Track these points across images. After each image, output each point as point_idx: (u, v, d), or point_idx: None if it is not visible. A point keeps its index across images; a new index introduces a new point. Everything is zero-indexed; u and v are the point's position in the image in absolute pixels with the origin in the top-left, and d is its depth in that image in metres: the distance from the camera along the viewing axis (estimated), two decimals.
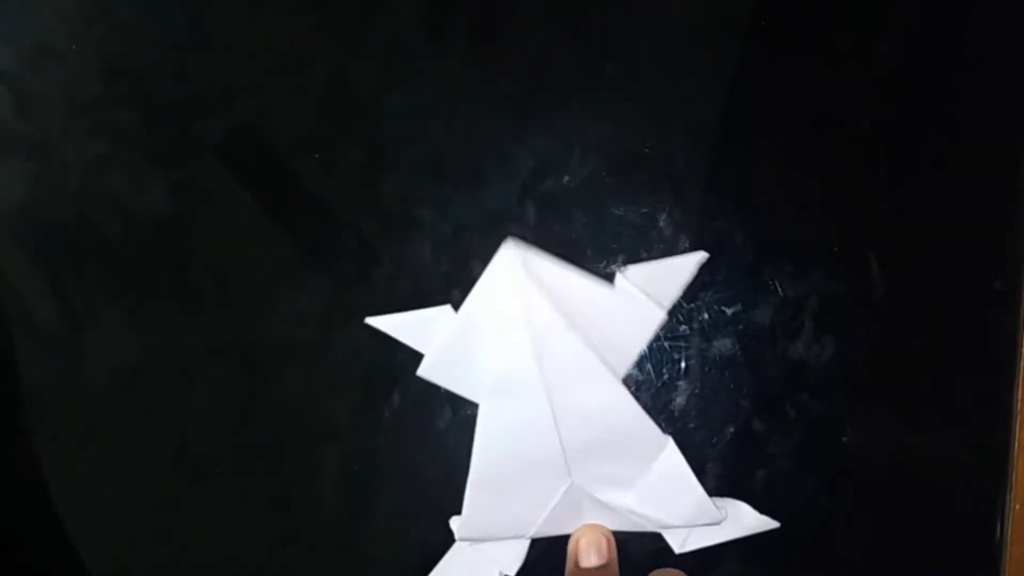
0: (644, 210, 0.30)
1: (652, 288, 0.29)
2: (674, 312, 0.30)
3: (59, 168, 0.31)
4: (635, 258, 0.30)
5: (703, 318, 0.30)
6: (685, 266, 0.29)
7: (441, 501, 0.31)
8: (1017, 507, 0.30)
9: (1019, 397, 0.30)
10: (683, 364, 0.31)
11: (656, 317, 0.29)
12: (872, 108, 0.30)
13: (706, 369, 0.30)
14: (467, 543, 0.30)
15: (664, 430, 0.30)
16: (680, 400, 0.31)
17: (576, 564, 0.29)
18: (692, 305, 0.30)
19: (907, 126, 0.30)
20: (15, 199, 0.31)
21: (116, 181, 0.31)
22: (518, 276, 0.28)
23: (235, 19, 0.30)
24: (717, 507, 0.29)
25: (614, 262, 0.30)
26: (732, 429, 0.31)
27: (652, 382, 0.31)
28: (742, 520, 0.30)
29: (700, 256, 0.29)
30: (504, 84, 0.30)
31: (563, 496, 0.29)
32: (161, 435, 0.31)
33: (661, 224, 0.30)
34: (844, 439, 0.30)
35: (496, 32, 0.29)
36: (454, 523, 0.30)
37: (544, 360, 0.28)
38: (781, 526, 0.30)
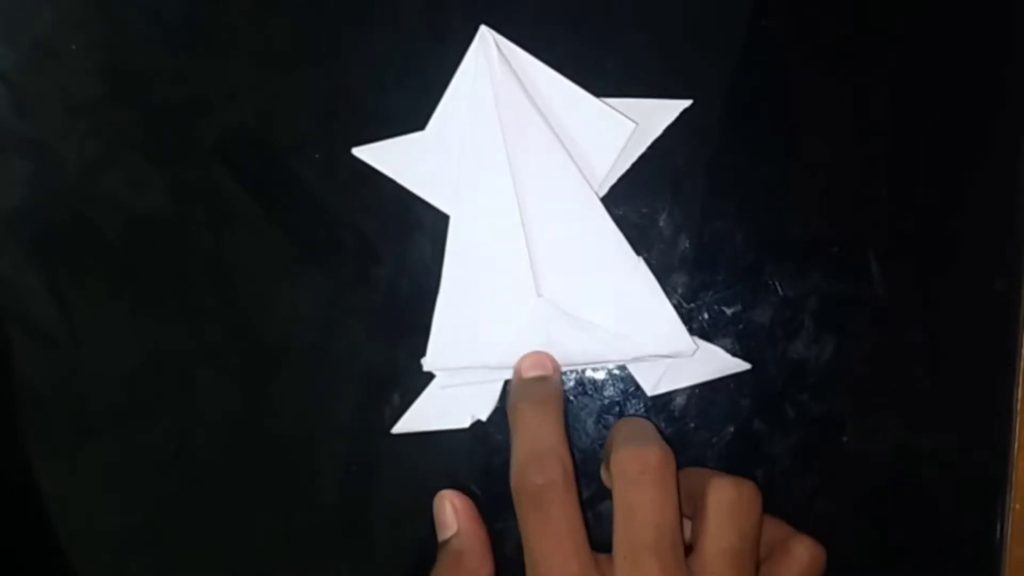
0: (644, 210, 0.30)
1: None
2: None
3: (58, 168, 0.31)
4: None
5: (703, 318, 0.30)
6: (668, 108, 0.29)
7: None
8: (1017, 507, 0.30)
9: (1019, 397, 0.30)
10: None
11: (625, 132, 0.28)
12: (872, 108, 0.30)
13: None
14: (439, 389, 0.30)
15: (664, 430, 0.30)
16: (680, 400, 0.31)
17: (519, 377, 0.29)
18: (692, 305, 0.30)
19: (907, 126, 0.30)
20: (14, 199, 0.31)
21: (116, 181, 0.31)
22: (493, 63, 0.27)
23: (235, 19, 0.30)
24: (690, 340, 0.29)
25: None
26: (732, 429, 0.31)
27: None
28: (714, 361, 0.30)
29: (685, 103, 0.29)
30: None
31: (531, 315, 0.28)
32: (161, 435, 0.31)
33: (661, 224, 0.30)
34: (844, 439, 0.30)
35: (496, 31, 0.29)
36: (424, 360, 0.29)
37: (517, 159, 0.27)
38: None
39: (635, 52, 0.30)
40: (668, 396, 0.31)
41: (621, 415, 0.31)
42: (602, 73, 0.30)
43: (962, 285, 0.30)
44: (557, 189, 0.28)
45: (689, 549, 0.25)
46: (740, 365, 0.30)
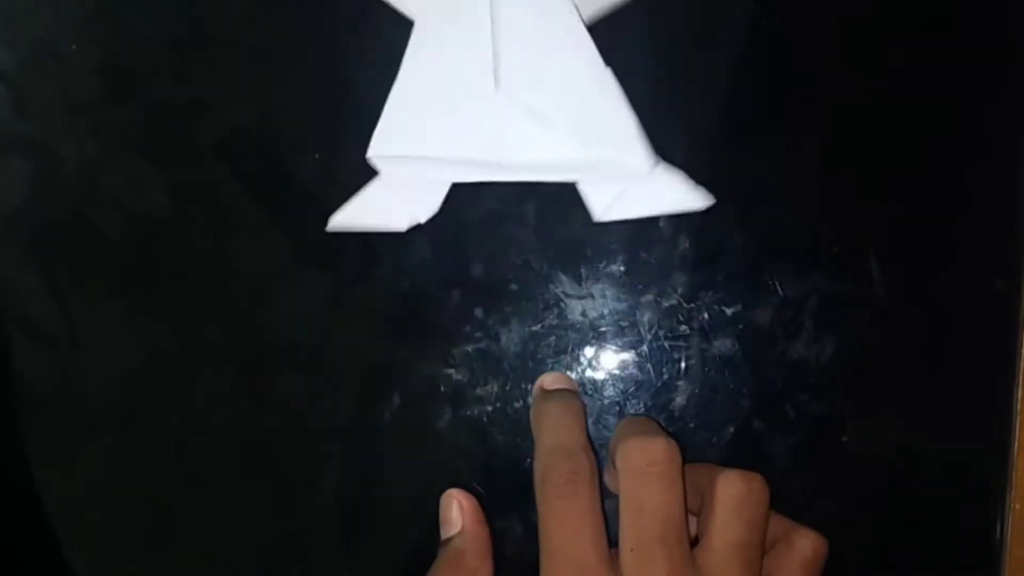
0: None
1: None
2: (674, 312, 0.30)
3: (58, 168, 0.31)
4: (635, 258, 0.30)
5: (703, 318, 0.30)
6: None
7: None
8: (1017, 507, 0.30)
9: (1019, 397, 0.30)
10: (683, 364, 0.31)
11: None
12: (872, 108, 0.30)
13: (706, 369, 0.30)
14: (381, 184, 0.29)
15: (665, 430, 0.30)
16: (680, 400, 0.31)
17: (541, 389, 0.30)
18: (692, 305, 0.30)
19: (907, 126, 0.30)
20: (14, 199, 0.31)
21: (116, 181, 0.31)
22: None
23: (235, 19, 0.30)
24: (651, 162, 0.27)
25: (614, 262, 0.30)
26: (732, 429, 0.31)
27: (652, 382, 0.31)
28: (673, 190, 0.28)
29: None
30: None
31: (485, 106, 0.27)
32: (161, 435, 0.31)
33: (661, 224, 0.30)
34: (844, 439, 0.30)
35: None
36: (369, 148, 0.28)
37: None
38: None
39: (635, 52, 0.30)
40: (668, 396, 0.31)
41: (622, 415, 0.31)
42: None
43: (962, 285, 0.30)
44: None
45: (694, 544, 0.25)
46: (701, 199, 0.28)
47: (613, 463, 0.26)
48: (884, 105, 0.30)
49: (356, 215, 0.29)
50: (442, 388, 0.31)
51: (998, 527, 0.30)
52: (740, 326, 0.30)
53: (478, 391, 0.31)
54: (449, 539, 0.28)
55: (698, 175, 0.30)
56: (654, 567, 0.24)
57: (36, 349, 0.31)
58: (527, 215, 0.30)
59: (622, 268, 0.30)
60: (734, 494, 0.25)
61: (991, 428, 0.30)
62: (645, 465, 0.25)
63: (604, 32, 0.29)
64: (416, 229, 0.30)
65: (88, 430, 0.31)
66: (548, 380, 0.30)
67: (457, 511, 0.29)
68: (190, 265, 0.31)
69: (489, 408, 0.31)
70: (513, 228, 0.30)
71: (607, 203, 0.29)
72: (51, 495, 0.31)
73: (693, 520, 0.26)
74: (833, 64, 0.30)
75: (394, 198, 0.29)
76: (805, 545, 0.26)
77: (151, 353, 0.31)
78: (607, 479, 0.29)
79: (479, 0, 0.27)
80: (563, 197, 0.30)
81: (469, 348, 0.30)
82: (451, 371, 0.31)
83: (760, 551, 0.25)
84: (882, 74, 0.30)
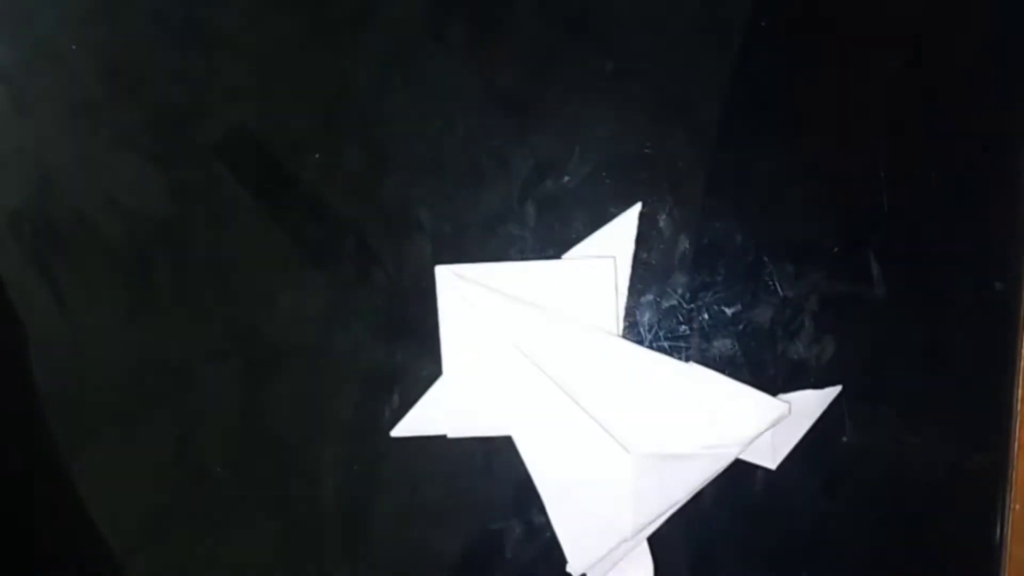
0: (644, 210, 0.30)
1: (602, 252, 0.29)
2: (674, 312, 0.30)
3: (58, 168, 0.31)
4: (635, 258, 0.30)
5: (703, 318, 0.30)
6: (626, 224, 0.29)
7: (441, 501, 0.31)
8: (1017, 507, 0.30)
9: (1019, 397, 0.30)
10: None
11: (608, 268, 0.29)
12: (872, 108, 0.30)
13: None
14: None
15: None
16: None
17: None
18: (692, 305, 0.30)
19: (907, 126, 0.30)
20: (15, 199, 0.31)
21: (116, 181, 0.31)
22: (467, 291, 0.28)
23: (235, 19, 0.30)
24: (778, 400, 0.29)
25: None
26: None
27: None
28: (808, 406, 0.29)
29: (635, 209, 0.29)
30: (504, 84, 0.30)
31: (637, 475, 0.28)
32: (161, 435, 0.31)
33: (661, 224, 0.30)
34: (844, 439, 0.30)
35: (496, 32, 0.29)
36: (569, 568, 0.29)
37: (537, 351, 0.27)
38: (781, 525, 0.30)
39: (634, 52, 0.30)
40: None
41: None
42: (601, 74, 0.30)
43: (962, 285, 0.30)
44: (586, 355, 0.28)
45: None
46: (831, 392, 0.30)
47: None
48: (884, 105, 0.30)
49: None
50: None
51: (998, 527, 0.30)
52: (740, 326, 0.30)
53: None
54: None
55: (698, 175, 0.30)
56: None
57: (36, 349, 0.31)
58: (527, 215, 0.30)
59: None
60: None
61: (991, 428, 0.30)
62: None
63: (604, 31, 0.30)
64: (416, 229, 0.30)
65: (88, 430, 0.31)
66: None
67: None
68: (190, 265, 0.31)
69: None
70: (513, 228, 0.30)
71: (771, 452, 0.30)
72: (51, 495, 0.31)
73: None
74: (833, 64, 0.30)
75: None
76: None
77: (151, 353, 0.31)
78: None
79: (557, 396, 0.28)
80: (563, 197, 0.30)
81: None
82: None
83: None
84: (882, 74, 0.30)
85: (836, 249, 0.30)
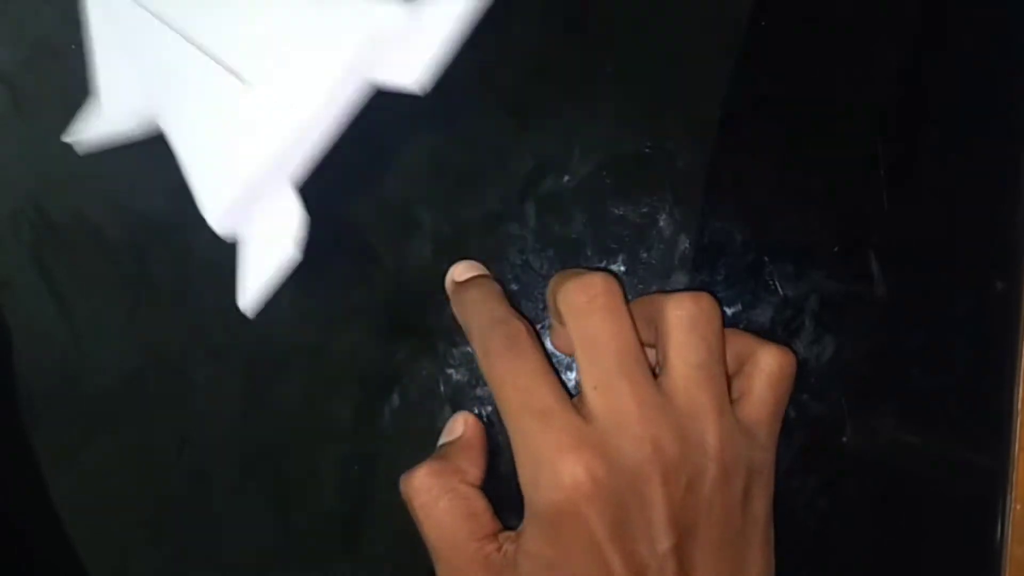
0: (644, 210, 0.30)
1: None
2: None
3: (59, 168, 0.31)
4: (635, 258, 0.30)
5: None
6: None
7: None
8: (1017, 507, 0.30)
9: (1019, 397, 0.30)
10: None
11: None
12: (872, 108, 0.30)
13: None
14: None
15: None
16: None
17: (454, 283, 0.29)
18: None
19: (907, 125, 0.30)
20: (14, 199, 0.31)
21: (116, 181, 0.31)
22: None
23: None
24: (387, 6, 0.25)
25: (614, 262, 0.30)
26: None
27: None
28: (444, 13, 0.25)
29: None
30: (504, 84, 0.30)
31: (257, 107, 0.26)
32: (161, 435, 0.31)
33: (661, 224, 0.30)
34: (844, 439, 0.30)
35: (496, 32, 0.29)
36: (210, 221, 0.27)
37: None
38: (781, 526, 0.30)
39: (634, 52, 0.30)
40: None
41: None
42: (600, 75, 0.30)
43: (962, 285, 0.30)
44: None
45: (654, 374, 0.25)
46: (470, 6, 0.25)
47: (558, 318, 0.26)
48: (884, 105, 0.30)
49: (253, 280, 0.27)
50: (442, 388, 0.31)
51: (998, 527, 0.30)
52: (740, 326, 0.30)
53: (478, 391, 0.31)
54: (443, 444, 0.29)
55: (698, 175, 0.30)
56: (621, 400, 0.24)
57: (36, 349, 0.31)
58: (527, 215, 0.30)
59: (622, 268, 0.30)
60: (685, 315, 0.25)
61: (991, 428, 0.30)
62: (586, 302, 0.24)
63: (604, 31, 0.30)
64: (416, 229, 0.30)
65: (88, 430, 0.31)
66: (458, 271, 0.29)
67: (461, 424, 0.29)
68: (190, 265, 0.31)
69: (489, 408, 0.31)
70: (513, 228, 0.30)
71: None
72: (51, 495, 0.31)
73: (651, 353, 0.26)
74: (833, 64, 0.30)
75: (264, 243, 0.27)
76: (770, 362, 0.26)
77: (151, 353, 0.31)
78: (554, 340, 0.29)
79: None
80: (563, 197, 0.30)
81: (469, 348, 0.30)
82: (451, 371, 0.31)
83: (722, 367, 0.25)
84: (882, 74, 0.30)
85: (836, 249, 0.30)
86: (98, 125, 0.28)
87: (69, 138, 0.28)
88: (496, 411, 0.30)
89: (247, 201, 0.26)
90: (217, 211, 0.26)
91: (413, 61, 0.26)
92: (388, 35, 0.26)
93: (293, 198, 0.27)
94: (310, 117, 0.26)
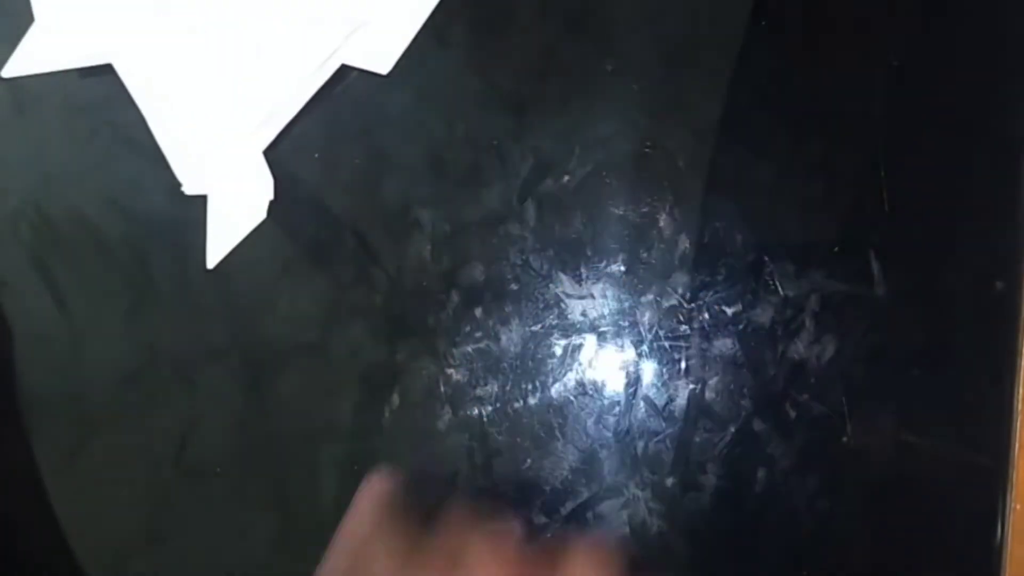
0: (644, 210, 0.30)
1: None
2: (674, 312, 0.30)
3: (59, 168, 0.31)
4: (635, 258, 0.30)
5: (703, 318, 0.30)
6: None
7: (441, 501, 0.31)
8: (1017, 507, 0.30)
9: (1019, 397, 0.30)
10: (683, 364, 0.30)
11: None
12: (872, 108, 0.30)
13: (706, 369, 0.30)
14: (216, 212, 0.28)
15: (665, 430, 0.30)
16: (680, 400, 0.31)
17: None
18: (692, 305, 0.30)
19: (907, 126, 0.30)
20: (14, 199, 0.31)
21: (116, 181, 0.31)
22: None
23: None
24: None
25: (614, 262, 0.30)
26: (732, 429, 0.31)
27: (653, 382, 0.31)
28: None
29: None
30: (504, 83, 0.30)
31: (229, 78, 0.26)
32: (161, 435, 0.31)
33: (661, 224, 0.30)
34: (844, 439, 0.30)
35: (496, 31, 0.29)
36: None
37: None
38: (781, 525, 0.30)
39: (634, 52, 0.30)
40: (668, 396, 0.31)
41: (622, 415, 0.31)
42: (601, 74, 0.30)
43: (962, 285, 0.30)
44: None
45: None
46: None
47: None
48: (884, 105, 0.30)
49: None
50: (442, 388, 0.31)
51: (998, 527, 0.30)
52: (740, 326, 0.30)
53: (478, 391, 0.31)
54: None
55: (698, 175, 0.30)
56: None
57: (36, 349, 0.31)
58: (527, 215, 0.30)
59: (622, 268, 0.30)
60: None
61: (991, 428, 0.30)
62: None
63: (604, 31, 0.30)
64: (416, 229, 0.30)
65: (88, 430, 0.31)
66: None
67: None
68: (190, 265, 0.31)
69: (489, 408, 0.31)
70: (513, 228, 0.30)
71: None
72: (51, 495, 0.31)
73: None
74: (833, 64, 0.30)
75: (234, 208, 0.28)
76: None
77: (151, 353, 0.31)
78: None
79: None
80: (563, 197, 0.30)
81: (469, 348, 0.30)
82: (451, 371, 0.31)
83: None
84: (882, 74, 0.30)
85: (836, 249, 0.30)
86: (34, 56, 0.28)
87: (7, 73, 0.28)
88: (496, 413, 0.30)
89: (226, 170, 0.27)
90: (193, 177, 0.27)
91: (382, 44, 0.27)
92: (361, 17, 0.26)
93: (262, 161, 0.27)
94: (281, 86, 0.27)
